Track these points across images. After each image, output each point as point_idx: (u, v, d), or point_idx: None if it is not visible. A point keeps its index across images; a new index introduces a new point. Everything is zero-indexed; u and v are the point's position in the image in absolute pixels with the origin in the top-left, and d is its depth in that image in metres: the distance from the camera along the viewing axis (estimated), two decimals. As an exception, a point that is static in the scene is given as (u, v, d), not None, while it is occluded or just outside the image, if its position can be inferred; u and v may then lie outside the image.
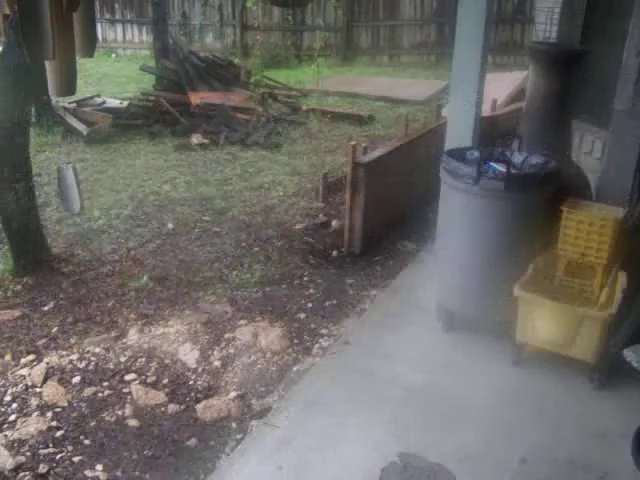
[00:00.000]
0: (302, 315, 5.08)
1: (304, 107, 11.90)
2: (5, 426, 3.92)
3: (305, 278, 5.71)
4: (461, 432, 3.64)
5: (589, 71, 5.15)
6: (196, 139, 9.83)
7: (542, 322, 4.01)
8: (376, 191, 6.09)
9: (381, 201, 6.21)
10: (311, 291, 5.47)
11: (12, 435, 3.83)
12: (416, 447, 3.47)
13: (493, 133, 7.04)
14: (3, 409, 4.07)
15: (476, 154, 4.45)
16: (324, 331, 4.85)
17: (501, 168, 4.22)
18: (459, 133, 4.93)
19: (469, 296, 4.44)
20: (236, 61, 14.17)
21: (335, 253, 6.17)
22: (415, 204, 6.77)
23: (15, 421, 3.96)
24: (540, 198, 4.20)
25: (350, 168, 5.97)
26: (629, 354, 3.39)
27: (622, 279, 4.09)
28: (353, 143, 6.12)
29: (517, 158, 4.48)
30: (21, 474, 3.57)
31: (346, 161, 6.32)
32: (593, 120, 6.19)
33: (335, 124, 11.11)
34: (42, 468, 3.61)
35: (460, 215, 4.34)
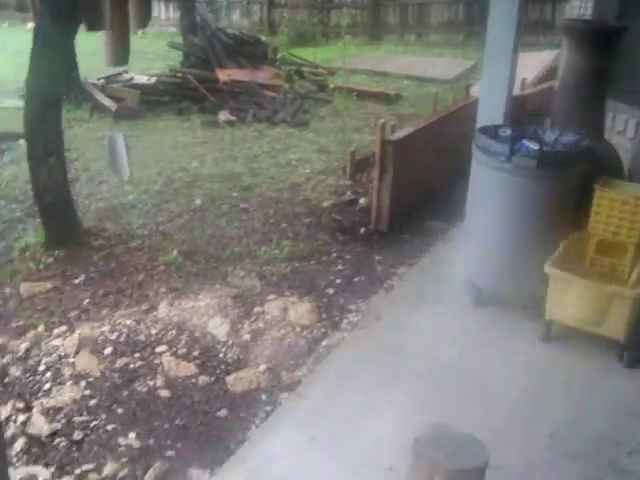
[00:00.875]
0: (331, 291, 5.11)
1: (331, 85, 11.86)
2: (40, 394, 4.00)
3: (333, 254, 5.73)
4: (490, 406, 3.66)
5: (625, 49, 5.08)
6: (223, 116, 9.84)
7: (572, 300, 4.01)
8: (404, 169, 6.08)
9: (409, 179, 6.21)
10: (339, 267, 5.49)
11: (47, 403, 3.91)
12: (447, 420, 3.47)
13: (522, 112, 6.99)
14: (38, 378, 4.15)
15: (509, 132, 4.43)
16: (352, 307, 4.87)
17: (534, 146, 4.20)
18: (491, 111, 4.91)
19: (499, 273, 4.44)
20: (263, 39, 14.12)
21: (363, 230, 6.18)
22: (444, 183, 6.76)
23: (50, 389, 4.04)
24: (572, 176, 4.19)
25: (379, 146, 5.97)
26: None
27: (654, 258, 4.08)
28: (382, 121, 6.12)
29: (549, 136, 4.46)
30: (57, 440, 3.65)
31: (373, 139, 6.31)
32: (627, 99, 6.13)
33: (362, 102, 11.05)
34: (77, 435, 3.68)
35: (491, 192, 4.34)
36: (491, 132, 4.42)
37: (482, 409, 3.63)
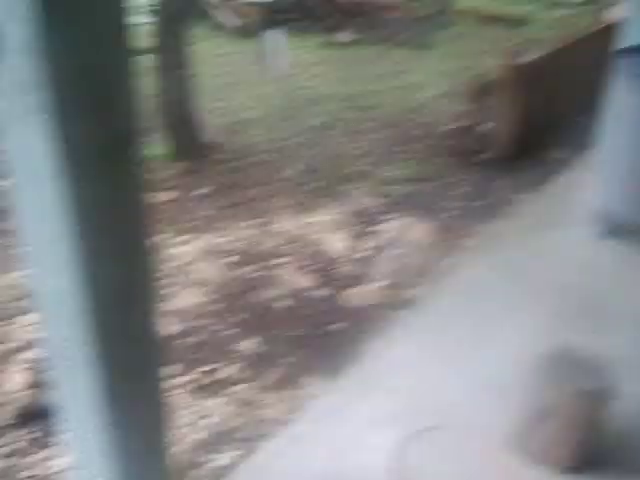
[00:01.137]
0: (450, 213, 5.05)
1: (455, 7, 11.47)
2: (165, 297, 4.16)
3: (452, 178, 5.64)
4: (616, 336, 3.53)
5: None
6: (343, 36, 9.71)
7: None
8: (529, 96, 5.85)
9: (534, 106, 5.96)
10: (458, 191, 5.41)
11: (170, 305, 4.06)
12: (570, 342, 3.40)
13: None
14: (162, 282, 4.30)
15: (656, 52, 4.15)
16: (472, 230, 4.80)
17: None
18: (636, 32, 4.59)
19: (634, 201, 4.23)
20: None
21: (483, 156, 6.03)
22: (570, 111, 6.46)
23: (173, 293, 4.19)
24: None
25: (503, 71, 5.75)
26: None
27: None
28: (508, 45, 5.88)
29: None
30: (179, 341, 3.80)
31: (496, 64, 6.08)
32: None
33: (486, 26, 10.65)
34: (198, 337, 3.83)
35: (633, 116, 4.10)
36: (637, 52, 4.15)
37: (607, 337, 3.51)
